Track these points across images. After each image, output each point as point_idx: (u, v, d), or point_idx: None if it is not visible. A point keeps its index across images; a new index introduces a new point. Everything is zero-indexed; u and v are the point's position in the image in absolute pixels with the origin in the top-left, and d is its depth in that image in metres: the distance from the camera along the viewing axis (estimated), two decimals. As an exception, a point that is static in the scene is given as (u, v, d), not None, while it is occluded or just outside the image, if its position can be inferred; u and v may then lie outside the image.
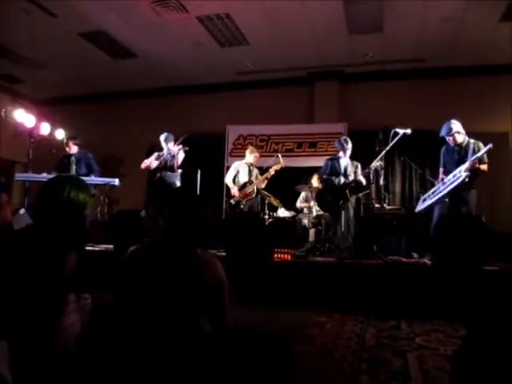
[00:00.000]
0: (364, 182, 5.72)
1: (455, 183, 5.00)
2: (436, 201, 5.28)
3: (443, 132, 5.31)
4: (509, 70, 7.75)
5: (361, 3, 6.24)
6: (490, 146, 4.83)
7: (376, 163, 5.52)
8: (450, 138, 5.25)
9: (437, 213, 5.34)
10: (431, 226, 5.35)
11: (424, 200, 5.57)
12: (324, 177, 5.95)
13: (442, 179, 5.29)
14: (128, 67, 8.67)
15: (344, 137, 6.10)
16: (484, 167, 5.00)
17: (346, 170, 5.83)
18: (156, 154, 6.48)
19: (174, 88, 9.59)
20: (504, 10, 6.28)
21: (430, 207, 5.43)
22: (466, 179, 4.90)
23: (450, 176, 5.13)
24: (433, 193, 5.39)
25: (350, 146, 5.87)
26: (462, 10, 6.32)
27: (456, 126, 5.23)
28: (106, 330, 1.77)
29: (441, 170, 5.52)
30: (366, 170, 5.61)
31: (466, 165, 4.93)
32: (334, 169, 5.87)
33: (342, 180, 5.69)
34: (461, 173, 4.95)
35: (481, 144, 5.16)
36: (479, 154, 4.90)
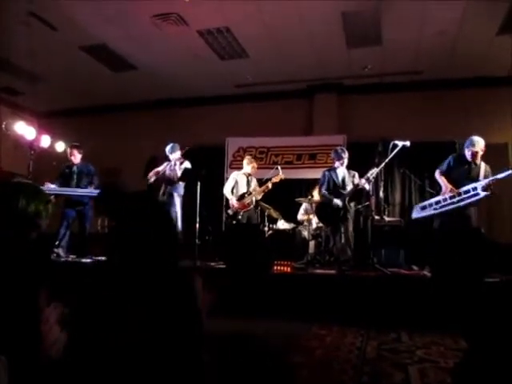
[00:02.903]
0: (367, 186, 5.57)
1: (470, 199, 4.97)
2: (441, 212, 5.23)
3: (467, 143, 5.22)
4: (507, 81, 7.80)
5: (359, 17, 6.31)
6: (510, 171, 4.82)
7: (372, 170, 5.45)
8: (473, 153, 5.15)
9: (437, 224, 5.32)
10: (431, 236, 5.33)
11: (423, 208, 5.52)
12: (323, 192, 5.88)
13: (452, 190, 5.14)
14: (128, 80, 8.73)
15: (340, 146, 6.08)
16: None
17: (343, 180, 5.80)
18: (165, 164, 6.34)
19: (174, 100, 9.65)
20: (500, 24, 6.35)
21: (431, 217, 5.40)
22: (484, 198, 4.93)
23: (460, 191, 5.07)
24: (436, 203, 5.33)
25: (346, 155, 5.84)
26: (459, 24, 6.39)
27: (481, 143, 5.16)
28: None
29: (440, 175, 5.40)
30: (363, 180, 5.53)
31: (482, 184, 4.91)
32: (331, 181, 5.85)
33: (340, 203, 5.59)
34: (476, 190, 4.93)
35: (490, 170, 5.17)
36: (499, 176, 4.87)
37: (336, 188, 5.78)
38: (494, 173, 5.03)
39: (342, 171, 5.86)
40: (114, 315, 1.40)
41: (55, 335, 1.63)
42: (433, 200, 5.44)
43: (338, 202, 5.57)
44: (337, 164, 5.89)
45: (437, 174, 5.48)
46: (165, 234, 1.57)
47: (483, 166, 5.19)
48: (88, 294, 1.50)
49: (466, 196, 5.02)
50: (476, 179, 5.09)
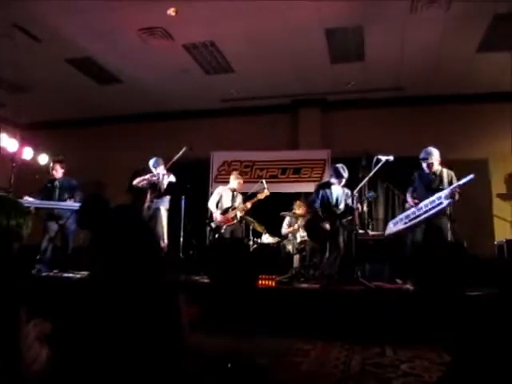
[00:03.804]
0: (360, 208, 5.60)
1: (436, 209, 5.05)
2: (411, 225, 5.31)
3: (422, 156, 5.38)
4: (486, 98, 7.98)
5: (342, 33, 6.41)
6: (471, 176, 4.90)
7: (369, 194, 5.54)
8: (428, 165, 5.32)
9: (410, 238, 5.40)
10: (406, 251, 5.42)
11: (395, 224, 5.60)
12: (317, 207, 5.68)
13: (417, 204, 5.29)
14: (114, 93, 8.70)
15: (341, 164, 5.76)
16: (457, 196, 5.04)
17: (337, 199, 5.69)
18: (149, 175, 6.28)
19: (159, 114, 9.64)
20: (480, 41, 6.50)
21: (403, 232, 5.47)
22: (448, 207, 4.99)
23: (427, 202, 5.18)
24: (406, 217, 5.42)
25: (346, 175, 5.65)
26: (440, 41, 6.52)
27: (435, 154, 5.32)
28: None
29: (408, 194, 5.55)
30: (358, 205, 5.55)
31: (446, 192, 5.00)
32: (325, 198, 5.70)
33: (329, 227, 5.51)
34: (440, 199, 5.02)
35: (453, 174, 5.27)
36: (461, 182, 4.96)
37: (329, 206, 5.66)
38: (459, 178, 5.10)
39: (336, 189, 5.73)
40: (96, 330, 1.38)
41: (36, 352, 1.60)
42: (403, 215, 5.57)
43: (327, 226, 5.51)
44: (333, 181, 5.72)
45: (407, 195, 5.61)
46: (148, 249, 1.56)
47: (445, 173, 5.31)
48: (70, 309, 1.48)
49: (431, 206, 5.12)
50: (439, 188, 5.20)
